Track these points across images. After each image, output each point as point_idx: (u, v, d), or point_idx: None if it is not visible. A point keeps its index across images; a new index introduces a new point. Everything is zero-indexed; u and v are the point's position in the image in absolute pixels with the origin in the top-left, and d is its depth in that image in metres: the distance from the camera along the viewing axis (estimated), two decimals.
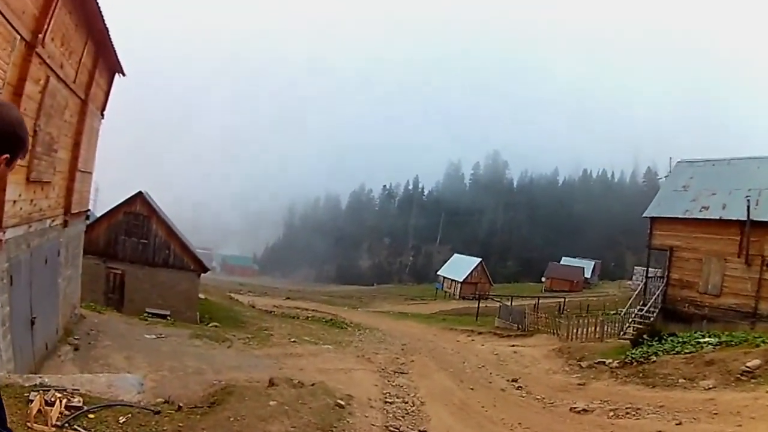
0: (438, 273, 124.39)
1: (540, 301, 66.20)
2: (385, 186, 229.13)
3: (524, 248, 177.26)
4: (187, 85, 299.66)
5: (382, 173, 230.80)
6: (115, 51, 16.71)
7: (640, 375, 18.44)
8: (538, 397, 17.19)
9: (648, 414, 13.81)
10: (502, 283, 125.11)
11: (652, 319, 30.48)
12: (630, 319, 31.93)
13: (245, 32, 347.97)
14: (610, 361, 20.98)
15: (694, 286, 30.76)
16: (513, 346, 31.43)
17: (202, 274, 34.83)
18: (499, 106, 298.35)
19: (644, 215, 34.14)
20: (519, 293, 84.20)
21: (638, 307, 32.39)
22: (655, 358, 19.48)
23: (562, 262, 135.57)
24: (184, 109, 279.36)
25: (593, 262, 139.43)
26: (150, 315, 28.46)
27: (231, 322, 31.86)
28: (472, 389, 17.11)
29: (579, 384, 19.24)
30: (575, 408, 15.11)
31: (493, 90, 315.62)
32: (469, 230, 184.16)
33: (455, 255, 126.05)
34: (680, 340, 21.43)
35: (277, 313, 40.14)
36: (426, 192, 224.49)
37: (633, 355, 20.32)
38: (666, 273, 32.10)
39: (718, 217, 30.29)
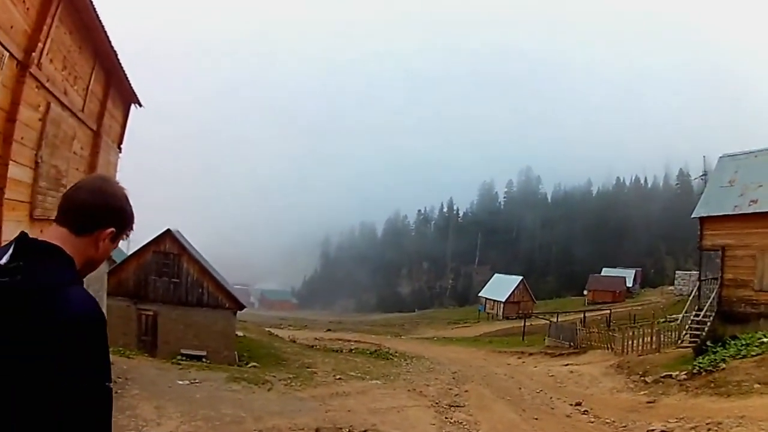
0: (479, 294, 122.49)
1: (585, 315, 64.80)
2: (420, 210, 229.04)
3: (564, 262, 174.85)
4: (215, 116, 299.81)
5: (415, 198, 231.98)
6: (127, 78, 16.02)
7: (712, 385, 17.27)
8: (608, 420, 15.94)
9: (731, 428, 12.63)
10: (544, 299, 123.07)
11: (709, 323, 28.95)
12: (686, 326, 30.37)
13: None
14: (677, 373, 19.84)
15: (748, 285, 29.19)
16: (567, 365, 30.29)
17: (239, 312, 34.01)
18: (526, 121, 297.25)
19: (693, 216, 32.72)
20: (562, 309, 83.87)
21: (693, 313, 30.71)
22: (723, 365, 18.42)
23: (602, 273, 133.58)
24: (214, 146, 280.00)
25: (634, 271, 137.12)
26: (185, 357, 27.49)
27: (271, 359, 30.86)
28: (536, 419, 15.91)
29: (648, 402, 18.03)
30: (652, 430, 13.91)
31: (518, 105, 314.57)
32: (507, 249, 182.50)
33: (496, 275, 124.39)
34: (743, 342, 20.45)
35: (319, 347, 38.97)
36: (461, 214, 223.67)
37: (700, 365, 19.15)
38: (720, 274, 30.45)
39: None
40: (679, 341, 29.65)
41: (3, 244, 2.27)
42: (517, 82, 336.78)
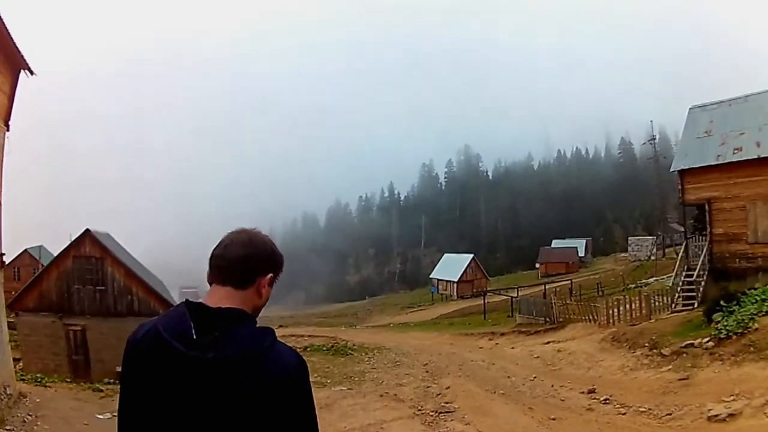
0: (431, 276, 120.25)
1: (546, 287, 63.00)
2: (361, 197, 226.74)
3: (512, 237, 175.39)
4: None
5: (355, 186, 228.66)
6: (13, 41, 12.87)
7: (751, 349, 14.55)
8: (643, 409, 12.96)
9: None
10: (495, 276, 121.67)
11: (703, 283, 26.62)
12: (678, 288, 27.74)
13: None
14: (699, 340, 16.87)
15: (742, 238, 27.00)
16: (548, 343, 27.22)
17: None
18: (462, 100, 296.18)
19: (672, 170, 30.39)
20: (516, 283, 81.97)
21: (684, 273, 28.14)
22: (755, 325, 15.58)
23: (553, 245, 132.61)
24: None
25: (584, 241, 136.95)
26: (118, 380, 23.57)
27: None
28: (553, 419, 12.71)
29: (681, 379, 15.03)
30: (715, 416, 10.86)
31: (452, 85, 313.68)
32: (452, 229, 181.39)
33: (445, 255, 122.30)
34: (758, 297, 18.03)
35: None
36: (403, 197, 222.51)
37: (727, 327, 16.23)
38: (708, 229, 28.02)
39: (756, 156, 26.54)
40: (673, 305, 27.18)
41: None
42: (449, 62, 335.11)
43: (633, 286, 53.42)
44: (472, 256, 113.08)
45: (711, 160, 28.18)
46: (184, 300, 2.32)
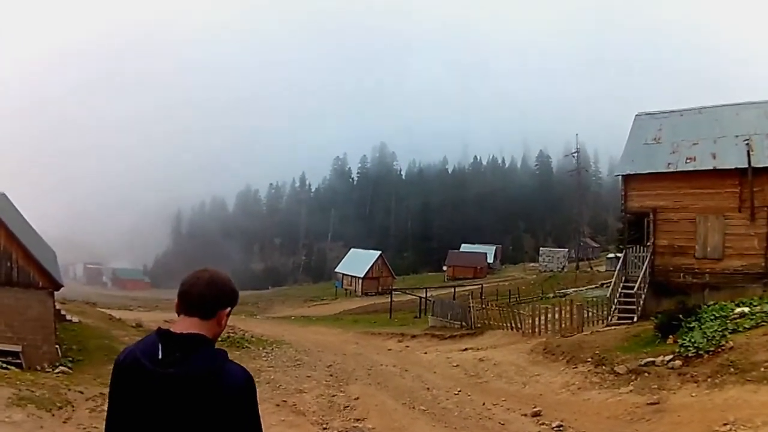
0: (336, 270, 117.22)
1: (456, 290, 60.87)
2: (271, 184, 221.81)
3: (420, 238, 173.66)
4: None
5: (267, 173, 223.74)
6: None
7: (732, 370, 12.44)
8: None
9: None
10: (401, 275, 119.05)
11: (643, 296, 24.89)
12: (615, 300, 25.75)
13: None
14: (662, 358, 14.62)
15: (688, 252, 25.49)
16: (467, 350, 24.61)
17: (65, 291, 26.06)
18: (381, 98, 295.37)
19: (616, 174, 29.27)
20: (422, 284, 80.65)
21: (621, 285, 26.18)
22: (730, 343, 13.71)
23: (462, 249, 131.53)
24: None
25: (494, 247, 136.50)
26: None
27: (101, 355, 22.96)
28: None
29: (651, 404, 12.49)
30: None
31: (372, 82, 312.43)
32: (361, 225, 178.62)
33: (352, 249, 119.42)
34: (717, 313, 16.83)
35: None
36: (314, 189, 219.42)
37: (696, 345, 14.15)
38: (652, 240, 26.20)
39: (711, 167, 25.12)
40: (610, 318, 25.29)
41: None
42: (372, 60, 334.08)
43: (552, 295, 52.20)
44: (379, 252, 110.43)
45: (660, 167, 26.60)
46: (156, 329, 2.85)
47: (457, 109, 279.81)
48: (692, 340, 14.54)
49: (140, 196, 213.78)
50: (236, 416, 2.65)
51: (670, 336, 16.41)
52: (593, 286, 59.53)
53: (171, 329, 2.78)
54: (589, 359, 17.03)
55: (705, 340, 14.31)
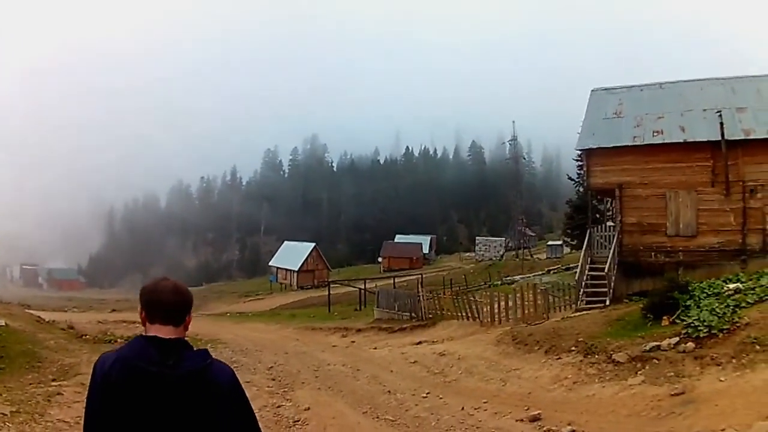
0: (270, 264, 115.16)
1: (395, 280, 59.17)
2: (202, 178, 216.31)
3: (354, 230, 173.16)
4: None
5: (197, 167, 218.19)
6: None
7: (759, 348, 11.09)
8: None
9: None
10: (336, 268, 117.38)
11: (614, 277, 23.51)
12: (583, 284, 24.14)
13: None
14: (668, 341, 12.86)
15: (659, 230, 24.19)
16: (421, 343, 22.53)
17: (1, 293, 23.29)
18: (312, 90, 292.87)
19: (576, 148, 27.52)
20: (358, 276, 79.02)
21: (588, 266, 24.58)
22: (746, 319, 12.29)
23: (396, 240, 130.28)
24: None
25: (429, 237, 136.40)
26: None
27: (23, 361, 20.13)
28: None
29: (675, 394, 10.60)
30: None
31: (302, 73, 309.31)
32: (293, 218, 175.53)
33: (286, 243, 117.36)
34: (710, 290, 15.31)
35: (90, 337, 28.07)
36: (245, 182, 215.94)
37: (708, 323, 12.71)
38: (619, 217, 24.76)
39: (681, 140, 23.84)
40: (579, 302, 23.68)
41: None
42: (304, 51, 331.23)
43: (499, 283, 50.90)
44: (314, 245, 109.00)
45: (626, 141, 25.20)
46: (138, 336, 3.07)
47: (388, 101, 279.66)
48: (701, 319, 12.91)
49: (72, 194, 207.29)
50: (235, 401, 3.04)
51: (665, 317, 14.70)
52: (540, 272, 58.95)
53: (158, 336, 3.00)
54: (574, 348, 15.10)
55: (716, 317, 12.76)
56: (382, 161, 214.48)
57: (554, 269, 60.16)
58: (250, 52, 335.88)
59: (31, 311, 35.34)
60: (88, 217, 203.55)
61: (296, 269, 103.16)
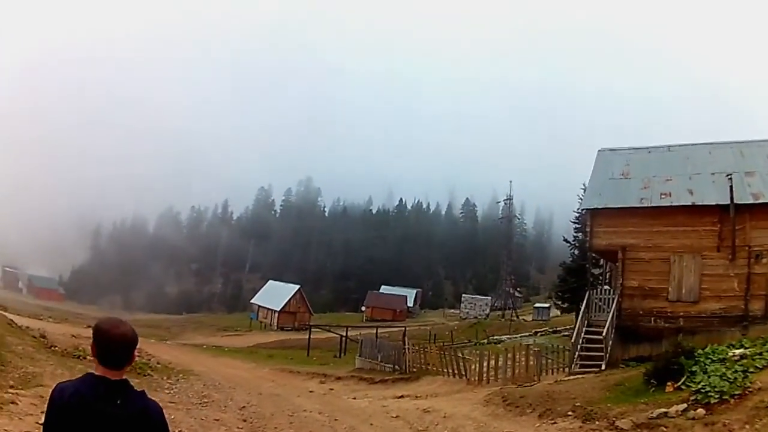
0: (252, 301, 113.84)
1: (378, 330, 58.12)
2: (193, 207, 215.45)
3: (339, 277, 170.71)
4: None
5: (189, 195, 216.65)
6: None
7: None
8: None
9: None
10: (318, 312, 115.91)
11: (611, 341, 22.46)
12: (578, 347, 23.13)
13: None
14: (676, 408, 11.98)
15: (660, 294, 23.34)
16: (403, 397, 21.63)
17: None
18: (311, 133, 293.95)
19: (582, 207, 27.57)
20: (340, 323, 77.96)
21: (585, 330, 23.64)
22: (757, 383, 11.86)
23: (382, 291, 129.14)
24: None
25: (415, 291, 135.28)
26: None
27: None
28: None
29: None
30: None
31: (304, 115, 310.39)
32: (280, 258, 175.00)
33: (270, 281, 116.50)
34: (716, 356, 14.73)
35: (59, 349, 26.79)
36: (235, 217, 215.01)
37: (718, 388, 12.07)
38: (620, 281, 24.01)
39: (690, 203, 23.24)
40: (573, 365, 22.73)
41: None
42: (305, 95, 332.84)
43: (485, 341, 49.90)
44: (298, 286, 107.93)
45: (633, 202, 24.62)
46: (89, 373, 3.44)
47: (385, 152, 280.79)
48: (711, 384, 12.13)
49: (62, 205, 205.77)
50: None
51: (669, 382, 13.85)
52: (527, 333, 58.04)
53: (107, 377, 3.36)
54: (570, 413, 14.08)
55: (726, 382, 12.10)
56: (374, 211, 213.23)
57: (541, 331, 59.30)
58: (254, 90, 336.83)
59: (6, 314, 34.30)
60: (75, 230, 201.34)
61: (278, 309, 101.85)
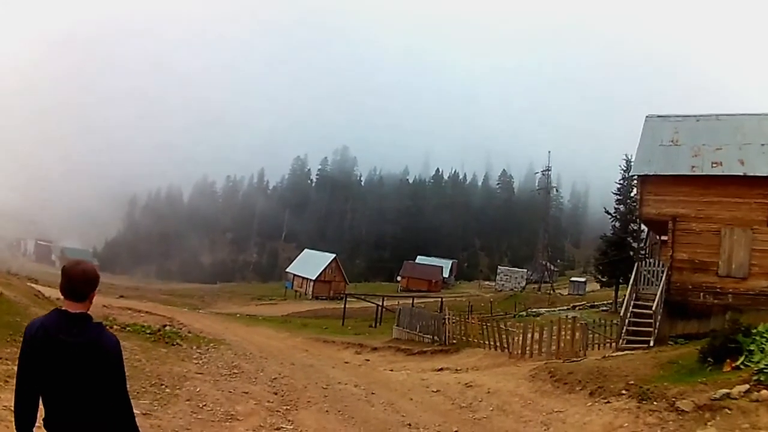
0: (287, 270, 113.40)
1: (414, 300, 57.48)
2: (229, 176, 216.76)
3: (374, 246, 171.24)
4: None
5: (225, 166, 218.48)
6: None
7: None
8: None
9: None
10: (353, 282, 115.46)
11: (659, 317, 21.41)
12: (626, 321, 22.17)
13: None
14: (738, 389, 10.98)
15: (710, 268, 22.33)
16: (443, 370, 20.81)
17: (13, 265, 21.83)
18: (349, 102, 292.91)
19: (632, 173, 26.32)
20: (375, 293, 77.41)
21: (633, 303, 22.65)
22: None
23: (418, 261, 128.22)
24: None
25: (451, 262, 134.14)
26: None
27: (6, 334, 18.30)
28: None
29: None
30: None
31: (341, 84, 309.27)
32: (315, 227, 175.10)
33: (306, 250, 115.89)
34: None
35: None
36: (271, 186, 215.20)
37: None
38: (670, 252, 22.98)
39: (741, 174, 22.10)
40: (620, 341, 21.70)
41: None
42: (343, 65, 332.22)
43: (524, 314, 49.07)
44: (334, 255, 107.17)
45: (684, 169, 23.53)
46: (55, 308, 3.99)
47: (423, 122, 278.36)
48: None
49: (97, 177, 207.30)
50: (114, 366, 3.97)
51: (727, 361, 12.91)
52: (565, 307, 56.94)
53: (67, 310, 3.89)
54: (624, 391, 13.10)
55: None
56: (410, 181, 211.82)
57: (579, 305, 58.16)
58: (291, 60, 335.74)
59: (36, 286, 34.05)
60: (109, 201, 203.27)
61: (313, 278, 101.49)
